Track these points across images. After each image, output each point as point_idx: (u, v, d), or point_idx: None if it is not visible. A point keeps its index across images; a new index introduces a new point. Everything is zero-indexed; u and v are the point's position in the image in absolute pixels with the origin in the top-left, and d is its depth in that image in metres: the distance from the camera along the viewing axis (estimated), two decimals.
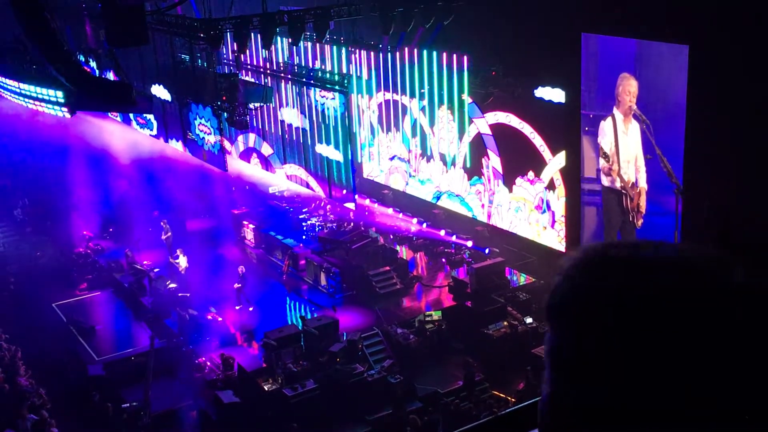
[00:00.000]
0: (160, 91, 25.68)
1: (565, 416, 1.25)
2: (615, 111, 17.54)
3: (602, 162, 17.08)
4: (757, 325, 1.18)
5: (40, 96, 23.36)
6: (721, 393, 1.15)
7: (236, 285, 23.49)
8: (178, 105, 26.29)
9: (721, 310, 1.17)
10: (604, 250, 1.27)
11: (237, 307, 23.21)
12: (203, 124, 26.12)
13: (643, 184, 17.38)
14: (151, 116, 29.33)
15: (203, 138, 26.36)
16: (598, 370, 1.19)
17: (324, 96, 26.15)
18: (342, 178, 26.47)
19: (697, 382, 1.15)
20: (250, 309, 23.28)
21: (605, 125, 17.51)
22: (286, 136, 28.97)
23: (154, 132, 31.10)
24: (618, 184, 17.49)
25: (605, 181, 17.69)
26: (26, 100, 24.21)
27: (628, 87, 16.62)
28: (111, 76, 26.05)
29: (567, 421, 1.25)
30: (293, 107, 28.34)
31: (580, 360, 1.22)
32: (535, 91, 20.57)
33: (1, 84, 25.68)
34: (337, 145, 26.40)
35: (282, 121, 29.06)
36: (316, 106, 27.07)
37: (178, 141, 29.01)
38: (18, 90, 24.44)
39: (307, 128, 27.74)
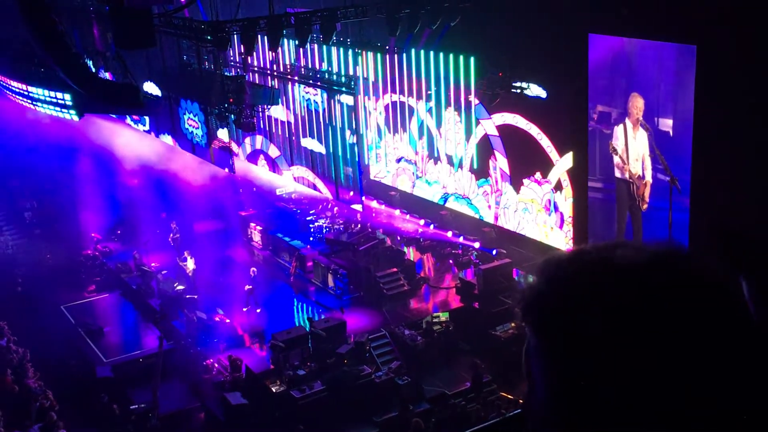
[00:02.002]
0: (151, 88, 25.88)
1: (556, 419, 1.25)
2: (626, 120, 19.28)
3: (615, 158, 19.54)
4: (745, 324, 1.18)
5: (48, 99, 23.46)
6: (719, 394, 1.15)
7: (247, 287, 23.51)
8: (170, 101, 26.66)
9: (711, 311, 1.18)
10: (588, 255, 1.27)
11: (244, 309, 23.22)
12: (191, 119, 26.47)
13: (648, 178, 19.11)
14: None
15: (192, 132, 26.83)
16: (589, 374, 1.19)
17: (307, 92, 26.65)
18: (326, 170, 27.36)
19: (693, 383, 1.15)
20: (258, 311, 23.29)
21: (618, 130, 19.49)
22: (292, 136, 29.06)
23: (147, 127, 31.52)
24: (627, 176, 19.41)
25: (618, 173, 19.68)
26: (34, 102, 24.31)
27: (636, 103, 18.93)
28: (107, 75, 26.12)
29: (560, 423, 1.25)
30: (280, 104, 28.81)
31: (570, 364, 1.22)
32: (514, 84, 21.38)
33: (10, 87, 25.79)
34: (320, 138, 27.18)
35: (269, 116, 29.42)
36: (300, 102, 27.63)
37: (168, 135, 29.69)
38: (26, 93, 24.54)
39: (292, 122, 28.36)
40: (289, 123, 29.06)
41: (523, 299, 1.31)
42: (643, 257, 1.23)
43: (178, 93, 26.27)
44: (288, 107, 28.57)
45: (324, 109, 26.67)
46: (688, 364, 1.15)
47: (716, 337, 1.16)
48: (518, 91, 21.32)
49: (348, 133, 26.34)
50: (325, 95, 26.04)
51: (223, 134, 26.41)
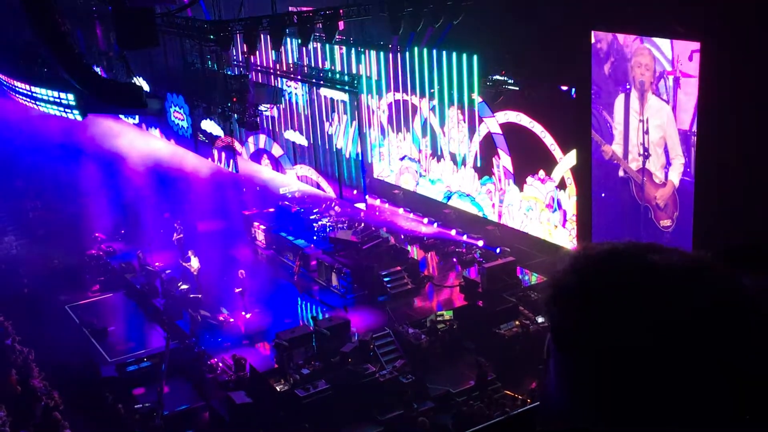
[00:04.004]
0: (140, 83, 26.15)
1: (567, 414, 1.25)
2: None
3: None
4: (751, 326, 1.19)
5: (51, 99, 23.47)
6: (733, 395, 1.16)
7: (237, 290, 23.37)
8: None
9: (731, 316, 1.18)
10: (623, 257, 1.26)
11: (247, 315, 23.06)
12: (177, 111, 26.77)
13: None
14: None
15: (178, 124, 27.14)
16: (608, 374, 1.19)
17: (289, 85, 27.06)
18: (307, 160, 28.18)
19: (713, 384, 1.15)
20: (248, 315, 23.05)
21: None
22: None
23: (136, 121, 31.81)
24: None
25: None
26: (38, 102, 24.33)
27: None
28: (98, 71, 26.24)
29: (570, 418, 1.25)
30: None
31: (590, 363, 1.22)
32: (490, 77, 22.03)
33: (13, 87, 25.82)
34: (301, 131, 27.97)
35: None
36: (284, 95, 28.06)
37: (156, 128, 30.55)
38: (29, 93, 24.56)
39: (276, 116, 28.88)
40: (272, 117, 29.40)
41: (550, 290, 1.30)
42: (682, 265, 1.23)
43: (181, 92, 26.34)
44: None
45: (306, 102, 27.32)
46: (708, 374, 1.16)
47: (745, 350, 1.17)
48: (494, 84, 21.57)
49: (327, 125, 26.56)
50: (306, 88, 26.43)
51: (207, 125, 26.61)
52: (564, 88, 20.71)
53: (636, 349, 1.17)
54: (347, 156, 26.72)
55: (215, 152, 27.82)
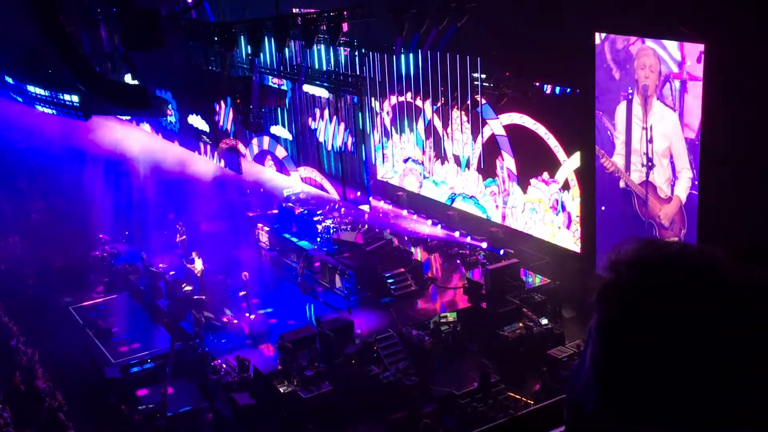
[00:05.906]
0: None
1: (595, 400, 1.26)
2: None
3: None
4: None
5: (55, 100, 23.50)
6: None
7: (241, 292, 23.38)
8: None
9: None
10: (689, 264, 1.25)
11: (252, 316, 23.07)
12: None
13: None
14: None
15: (167, 119, 27.39)
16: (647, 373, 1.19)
17: (275, 83, 27.32)
18: (291, 153, 28.77)
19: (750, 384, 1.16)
20: (252, 317, 23.08)
21: None
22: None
23: (129, 117, 32.07)
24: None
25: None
26: (42, 104, 24.35)
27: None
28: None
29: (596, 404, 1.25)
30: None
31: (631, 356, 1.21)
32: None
33: (18, 88, 25.85)
34: (284, 124, 28.77)
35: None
36: (289, 97, 28.44)
37: (146, 123, 31.35)
38: (34, 94, 24.59)
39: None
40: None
41: (606, 278, 1.29)
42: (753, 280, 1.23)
43: (186, 93, 26.41)
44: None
45: (291, 98, 27.76)
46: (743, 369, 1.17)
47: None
48: (498, 86, 21.60)
49: (310, 120, 26.91)
50: (291, 85, 26.63)
51: (193, 120, 26.69)
52: (558, 88, 20.72)
53: (648, 350, 1.18)
54: (328, 149, 26.74)
55: (201, 146, 28.13)
